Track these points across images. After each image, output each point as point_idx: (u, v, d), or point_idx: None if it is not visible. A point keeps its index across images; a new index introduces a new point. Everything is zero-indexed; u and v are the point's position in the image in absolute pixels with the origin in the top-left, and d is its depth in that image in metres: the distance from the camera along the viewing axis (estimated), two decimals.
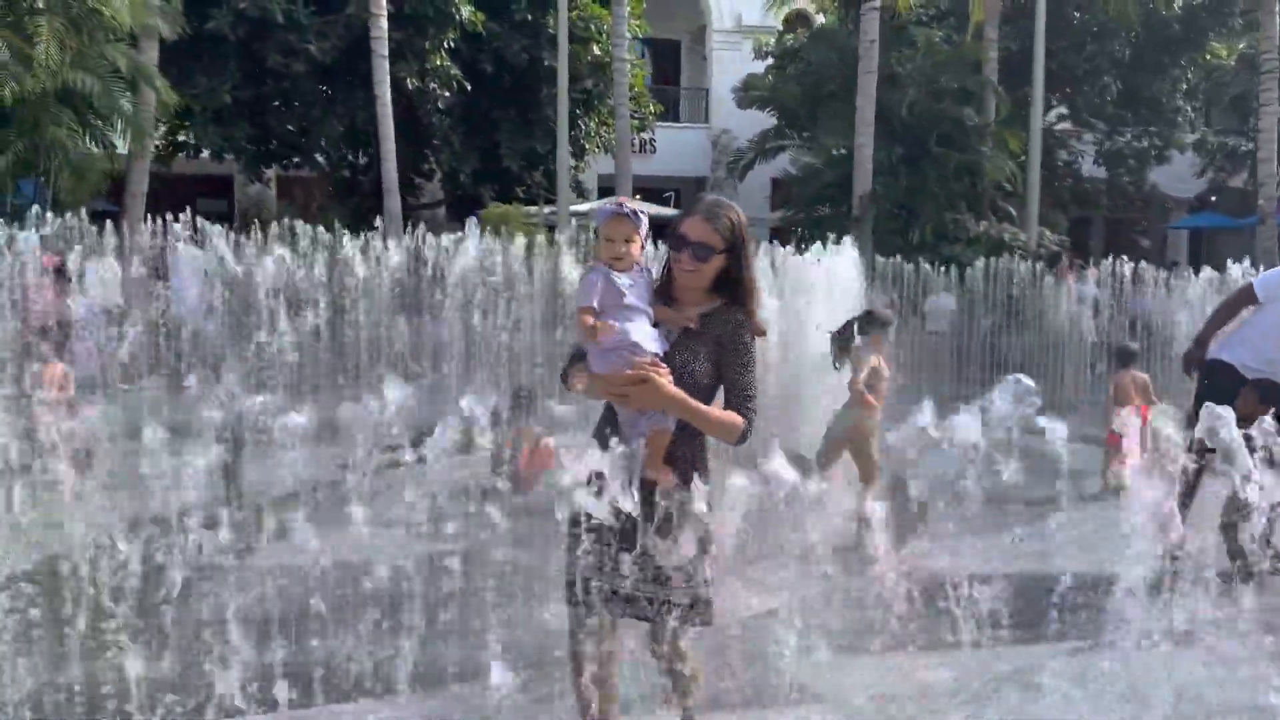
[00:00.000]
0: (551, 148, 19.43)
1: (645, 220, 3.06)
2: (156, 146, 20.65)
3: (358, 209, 19.70)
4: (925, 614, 3.61)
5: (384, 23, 17.23)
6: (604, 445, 2.77)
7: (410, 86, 19.14)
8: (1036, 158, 18.27)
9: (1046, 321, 14.82)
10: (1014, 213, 18.70)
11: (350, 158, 22.08)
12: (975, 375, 14.45)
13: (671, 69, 32.81)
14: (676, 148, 29.26)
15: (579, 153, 21.73)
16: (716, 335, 3.05)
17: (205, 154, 21.02)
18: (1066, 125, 25.62)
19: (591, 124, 22.07)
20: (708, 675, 3.51)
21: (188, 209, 12.29)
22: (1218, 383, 5.49)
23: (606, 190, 22.10)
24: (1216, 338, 5.88)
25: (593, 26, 21.05)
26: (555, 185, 21.81)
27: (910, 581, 3.45)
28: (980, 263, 14.76)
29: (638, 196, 29.43)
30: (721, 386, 3.08)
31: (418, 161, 21.33)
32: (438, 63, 19.28)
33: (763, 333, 3.16)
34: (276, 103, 20.47)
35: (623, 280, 2.98)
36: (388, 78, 17.11)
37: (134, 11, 13.11)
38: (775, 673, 3.94)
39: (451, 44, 19.50)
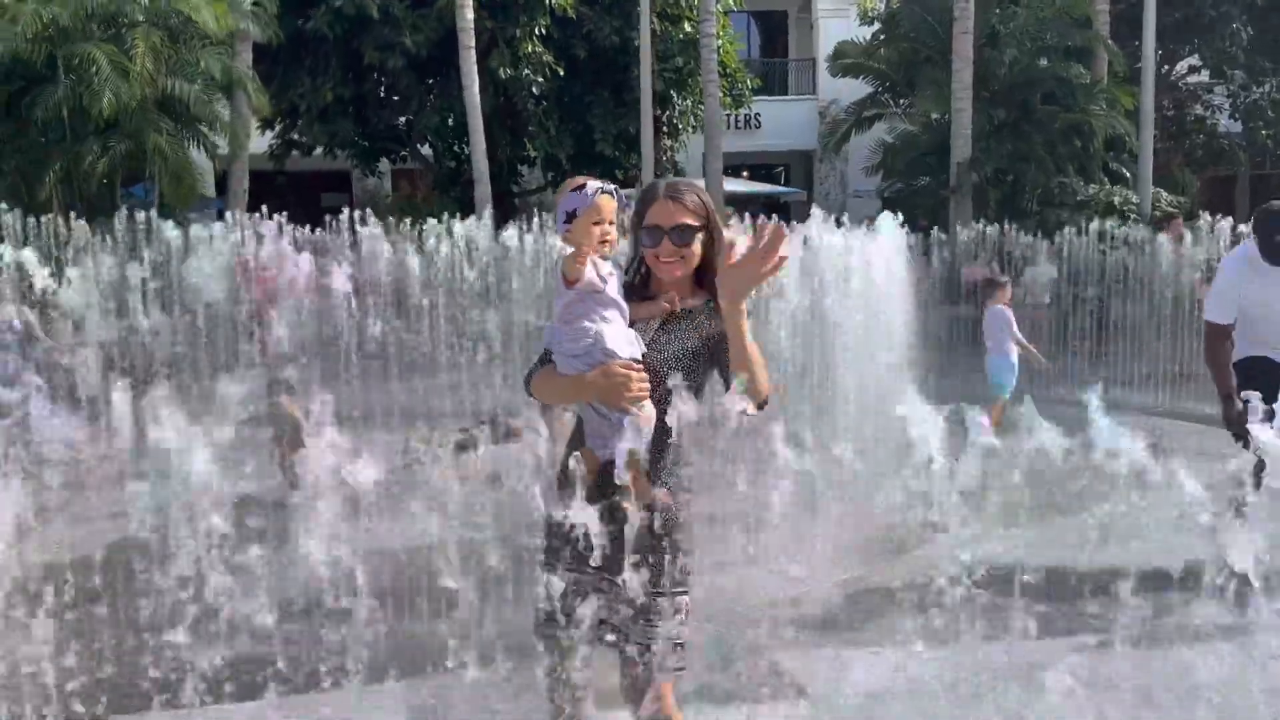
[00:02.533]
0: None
1: (623, 202, 2.87)
2: (271, 146, 21.61)
3: (463, 198, 20.12)
4: None
5: (470, 14, 17.47)
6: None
7: (504, 75, 19.36)
8: (1149, 113, 17.14)
9: (1156, 288, 13.93)
10: (1128, 174, 17.62)
11: (455, 148, 22.55)
12: (1082, 350, 13.71)
13: (780, 40, 32.26)
14: (783, 121, 28.81)
15: (672, 132, 21.59)
16: (706, 334, 2.76)
17: (319, 151, 21.85)
18: (1203, 78, 24.02)
19: (688, 102, 21.85)
20: None
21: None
22: (1258, 378, 5.19)
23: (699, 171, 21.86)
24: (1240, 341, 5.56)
25: (683, 2, 20.83)
26: (654, 167, 21.79)
27: None
28: (1076, 226, 13.92)
29: (744, 174, 29.18)
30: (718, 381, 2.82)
31: (517, 149, 21.60)
32: (530, 50, 19.43)
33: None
34: (379, 98, 21.05)
35: (603, 267, 2.72)
36: (475, 68, 17.34)
37: (221, 19, 13.68)
38: None
39: (543, 30, 19.62)
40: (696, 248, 2.76)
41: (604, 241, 2.72)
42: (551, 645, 2.71)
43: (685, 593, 2.72)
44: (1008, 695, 3.98)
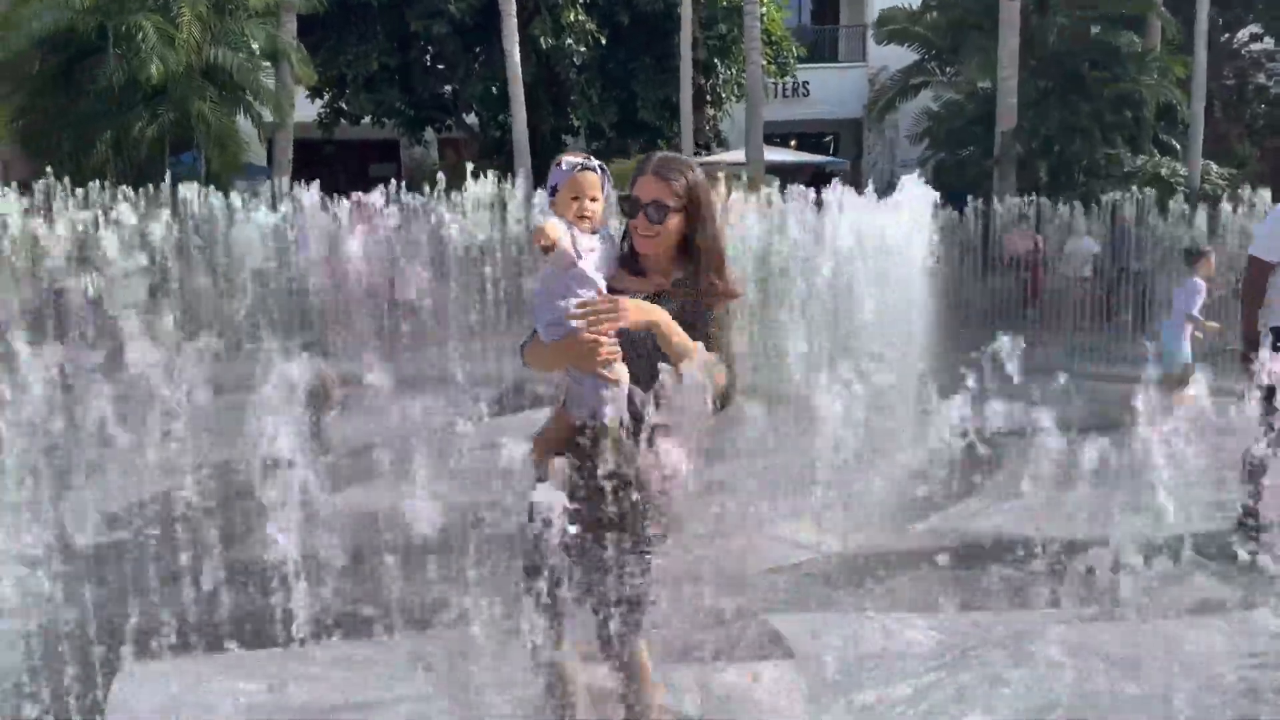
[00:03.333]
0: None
1: (610, 178, 2.87)
2: (319, 115, 21.90)
3: (507, 167, 20.26)
4: None
5: None
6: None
7: (546, 44, 19.39)
8: (1202, 83, 16.70)
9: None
10: (1179, 146, 17.21)
11: (500, 117, 22.66)
12: (1125, 326, 13.51)
13: (831, 7, 31.79)
14: (832, 89, 28.41)
15: (716, 101, 21.47)
16: (679, 306, 2.78)
17: (367, 120, 22.09)
18: (1266, 45, 23.28)
19: (732, 70, 21.70)
20: None
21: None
22: None
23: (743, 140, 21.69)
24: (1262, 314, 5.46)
25: None
26: (696, 136, 21.69)
27: None
28: (1112, 197, 13.67)
29: (792, 143, 28.91)
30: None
31: (560, 118, 21.65)
32: (572, 18, 19.43)
33: (730, 295, 2.86)
34: (425, 66, 21.20)
35: (584, 241, 2.73)
36: (516, 36, 17.40)
37: None
38: None
39: None
40: (671, 226, 2.79)
41: (583, 216, 2.76)
42: (535, 599, 2.83)
43: (650, 553, 2.81)
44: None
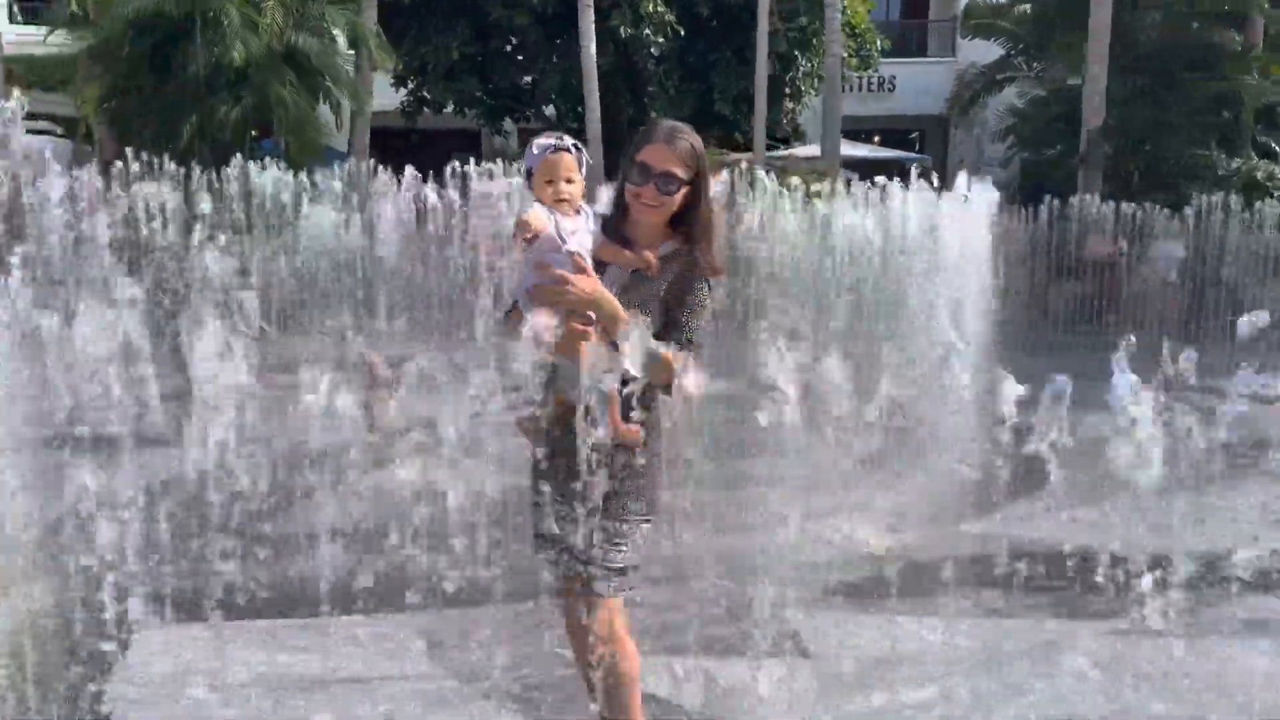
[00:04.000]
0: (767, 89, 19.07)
1: (585, 154, 2.82)
2: (402, 103, 22.23)
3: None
4: None
5: None
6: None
7: (624, 34, 19.36)
8: None
9: None
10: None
11: (578, 109, 22.73)
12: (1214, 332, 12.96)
13: (922, 2, 31.17)
14: (918, 85, 27.85)
15: (795, 94, 21.20)
16: (670, 277, 2.78)
17: (449, 110, 22.35)
18: None
19: (812, 62, 21.39)
20: None
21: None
22: None
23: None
24: None
25: None
26: (772, 129, 21.46)
27: None
28: (1208, 201, 13.11)
29: (876, 139, 28.42)
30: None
31: (637, 109, 21.61)
32: (651, 8, 19.37)
33: (718, 273, 2.85)
34: (505, 56, 21.34)
35: (566, 225, 2.65)
36: (592, 27, 17.41)
37: None
38: None
39: None
40: (678, 198, 2.76)
41: (561, 200, 2.68)
42: (548, 566, 2.92)
43: (637, 521, 2.79)
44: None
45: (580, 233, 2.70)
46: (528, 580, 3.37)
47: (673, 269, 2.79)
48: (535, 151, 2.70)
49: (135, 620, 3.76)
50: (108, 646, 3.79)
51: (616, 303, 2.65)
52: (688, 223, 2.81)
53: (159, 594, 4.17)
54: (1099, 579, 3.46)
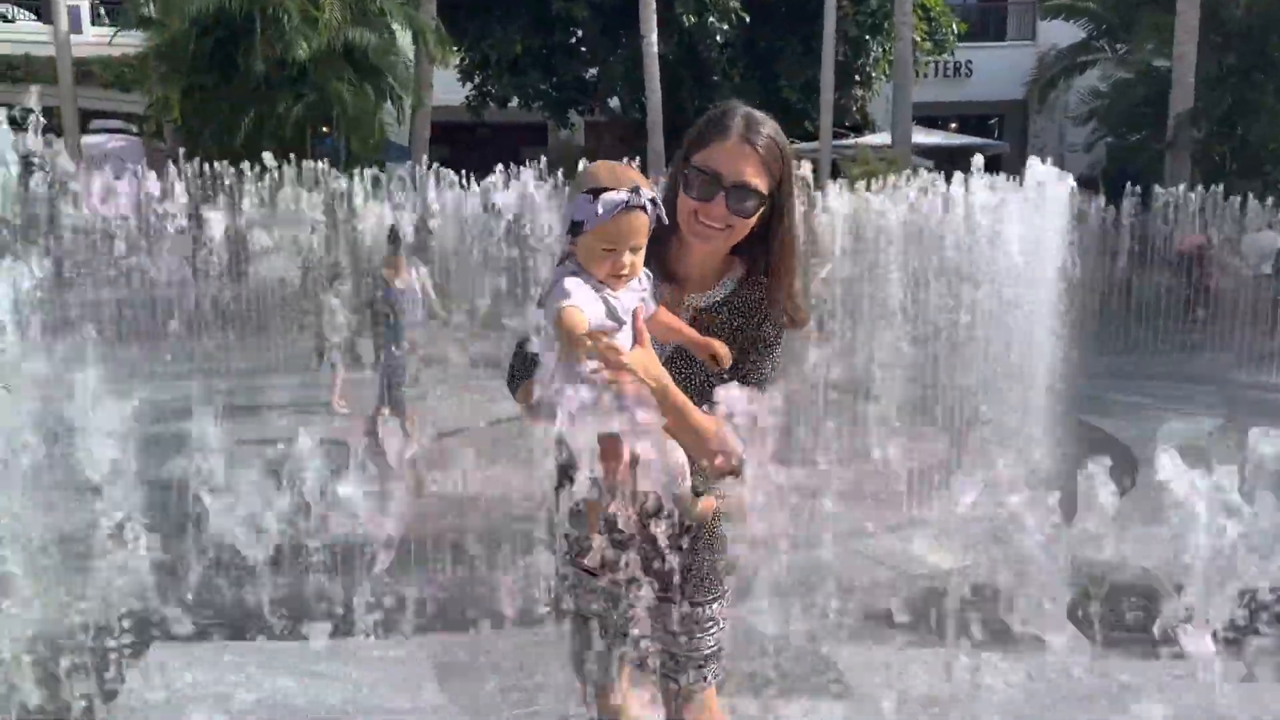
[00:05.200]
0: (834, 77, 18.56)
1: (662, 210, 1.91)
2: (468, 98, 22.20)
3: (646, 151, 20.09)
4: None
5: None
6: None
7: (688, 22, 19.01)
8: None
9: None
10: None
11: (642, 99, 22.46)
12: None
13: None
14: (997, 69, 26.93)
15: (865, 81, 20.61)
16: (735, 327, 2.04)
17: (514, 104, 22.26)
18: None
19: (884, 47, 20.77)
20: None
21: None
22: None
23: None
24: None
25: None
26: (841, 117, 20.91)
27: None
28: None
29: (953, 125, 27.60)
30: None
31: (703, 99, 21.24)
32: None
33: (801, 321, 2.12)
34: (568, 48, 21.17)
35: (622, 302, 1.87)
36: (654, 16, 17.12)
37: None
38: None
39: None
40: (754, 220, 2.00)
41: (618, 275, 1.86)
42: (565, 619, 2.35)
43: (718, 599, 2.26)
44: None
45: (634, 299, 1.91)
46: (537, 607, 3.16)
47: (736, 317, 2.06)
48: (600, 209, 1.81)
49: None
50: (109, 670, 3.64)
51: (688, 404, 1.93)
52: (759, 248, 2.06)
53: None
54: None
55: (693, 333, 1.97)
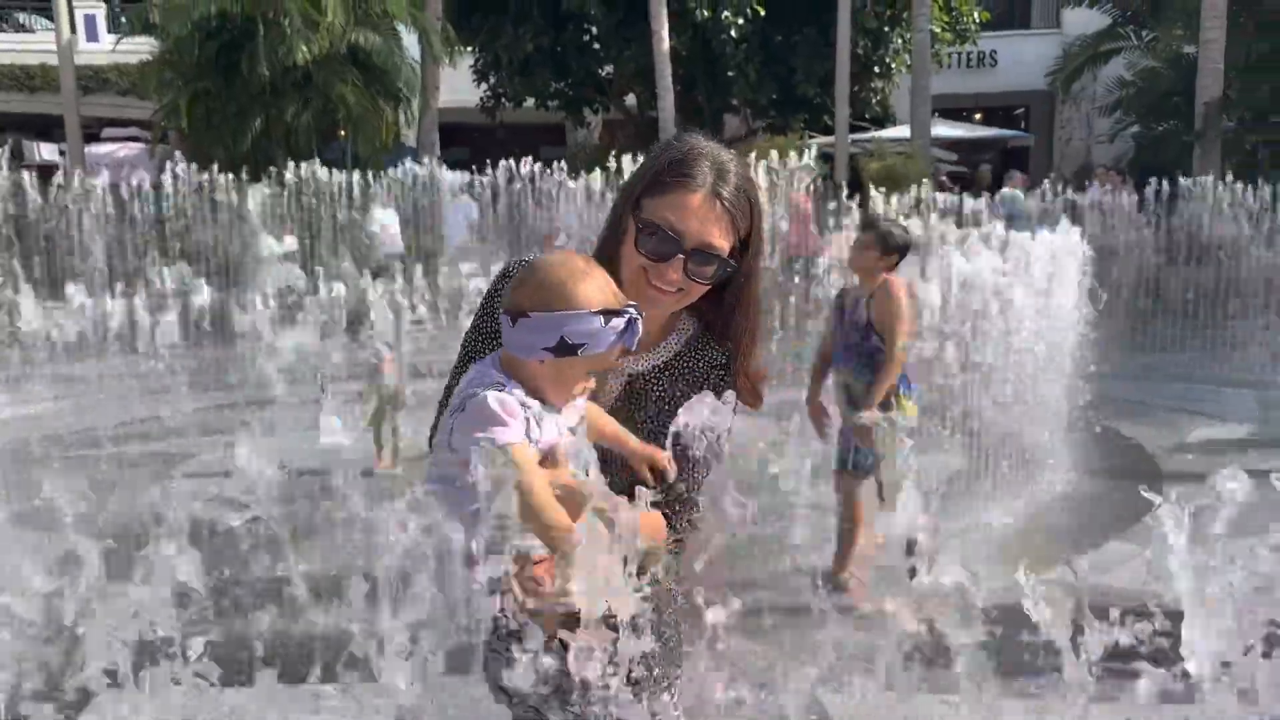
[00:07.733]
0: (853, 70, 18.14)
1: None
2: (482, 99, 21.97)
3: None
4: None
5: None
6: None
7: (701, 17, 18.66)
8: None
9: None
10: None
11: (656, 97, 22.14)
12: None
13: None
14: (1022, 58, 26.31)
15: (884, 72, 20.15)
16: (675, 397, 1.73)
17: (529, 103, 21.99)
18: None
19: (904, 38, 20.30)
20: None
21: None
22: None
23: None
24: None
25: None
26: (861, 110, 20.50)
27: None
28: None
29: (977, 116, 27.03)
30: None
31: (718, 95, 20.89)
32: None
33: (757, 399, 1.81)
34: (580, 46, 20.86)
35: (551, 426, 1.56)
36: (664, 12, 16.83)
37: None
38: None
39: None
40: (711, 281, 1.69)
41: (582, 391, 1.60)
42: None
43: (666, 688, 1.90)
44: None
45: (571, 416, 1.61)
46: None
47: (683, 380, 1.76)
48: (609, 333, 1.53)
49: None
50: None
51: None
52: (713, 305, 1.75)
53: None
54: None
55: (631, 440, 1.65)
